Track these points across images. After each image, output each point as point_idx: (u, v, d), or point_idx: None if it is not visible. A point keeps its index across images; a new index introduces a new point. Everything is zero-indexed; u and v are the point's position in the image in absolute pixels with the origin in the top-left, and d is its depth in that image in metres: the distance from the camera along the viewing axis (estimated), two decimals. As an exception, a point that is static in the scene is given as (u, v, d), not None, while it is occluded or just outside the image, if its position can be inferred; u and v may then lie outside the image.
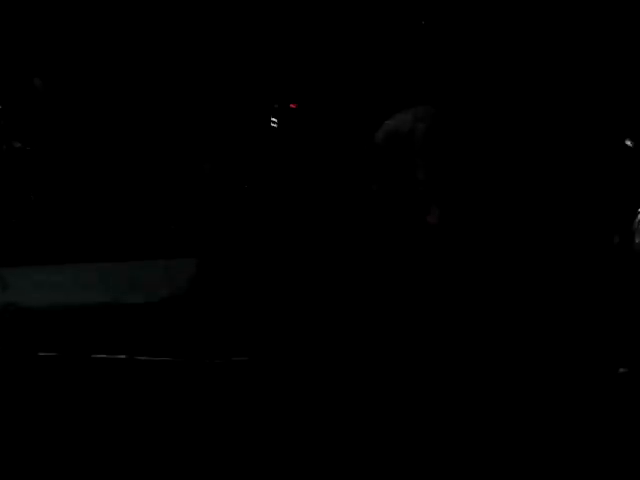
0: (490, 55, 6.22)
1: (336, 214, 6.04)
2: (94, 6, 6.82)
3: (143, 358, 4.81)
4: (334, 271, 5.52)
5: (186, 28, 6.76)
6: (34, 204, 6.48)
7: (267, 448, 4.15)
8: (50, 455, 4.05)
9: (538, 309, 5.12)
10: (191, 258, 5.59)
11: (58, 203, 6.51)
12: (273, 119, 6.60)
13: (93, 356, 4.81)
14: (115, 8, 6.80)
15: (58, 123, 6.75)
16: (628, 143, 5.35)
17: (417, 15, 6.32)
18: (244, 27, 6.67)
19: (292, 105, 6.57)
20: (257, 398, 4.44)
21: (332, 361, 4.62)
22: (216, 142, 6.64)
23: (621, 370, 4.47)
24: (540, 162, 5.98)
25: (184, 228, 6.28)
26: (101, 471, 3.79)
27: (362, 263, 5.32)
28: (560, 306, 5.13)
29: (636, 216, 4.96)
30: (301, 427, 4.21)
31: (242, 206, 6.32)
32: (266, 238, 6.03)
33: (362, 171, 5.90)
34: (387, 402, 4.24)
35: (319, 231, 6.01)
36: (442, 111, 4.90)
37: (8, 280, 5.44)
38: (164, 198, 6.50)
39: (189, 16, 6.74)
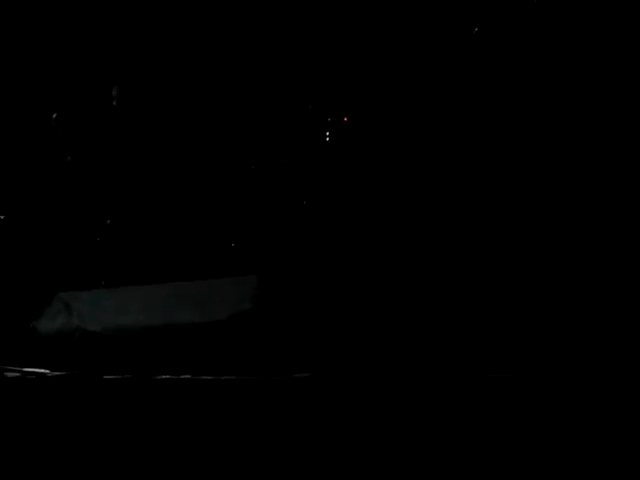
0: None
1: (398, 233, 6.04)
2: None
3: (207, 378, 4.85)
4: (396, 289, 5.52)
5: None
6: (100, 228, 6.58)
7: (329, 464, 4.16)
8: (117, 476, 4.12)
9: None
10: (253, 275, 5.61)
11: (124, 225, 6.60)
12: (327, 134, 6.61)
13: (157, 377, 4.85)
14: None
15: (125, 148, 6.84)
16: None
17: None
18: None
19: (345, 119, 6.58)
20: (319, 414, 4.45)
21: (395, 378, 4.61)
22: (275, 159, 6.67)
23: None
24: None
25: (246, 246, 6.34)
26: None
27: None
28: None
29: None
30: (362, 443, 4.21)
31: (302, 223, 6.35)
32: (327, 255, 6.05)
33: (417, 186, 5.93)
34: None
35: (382, 249, 6.01)
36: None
37: (74, 304, 5.51)
38: (225, 216, 6.56)
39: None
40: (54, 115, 6.62)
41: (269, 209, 6.57)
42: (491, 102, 6.23)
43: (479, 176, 6.14)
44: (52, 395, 4.74)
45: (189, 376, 4.86)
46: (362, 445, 4.29)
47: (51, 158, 6.94)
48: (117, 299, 5.57)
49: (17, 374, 4.87)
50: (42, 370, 4.97)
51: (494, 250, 5.74)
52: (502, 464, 4.02)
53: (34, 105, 6.99)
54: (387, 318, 5.14)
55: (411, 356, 4.78)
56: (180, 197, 6.72)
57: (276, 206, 6.57)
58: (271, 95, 6.79)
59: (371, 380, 4.51)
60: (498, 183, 6.06)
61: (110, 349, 5.22)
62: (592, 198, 5.81)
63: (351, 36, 6.66)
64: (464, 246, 5.79)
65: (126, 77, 6.89)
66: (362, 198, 6.38)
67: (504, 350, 4.73)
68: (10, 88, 6.98)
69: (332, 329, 5.07)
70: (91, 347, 5.24)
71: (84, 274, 6.35)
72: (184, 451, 4.40)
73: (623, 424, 4.03)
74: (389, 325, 5.08)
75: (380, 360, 4.80)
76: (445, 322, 5.05)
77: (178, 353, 5.11)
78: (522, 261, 5.64)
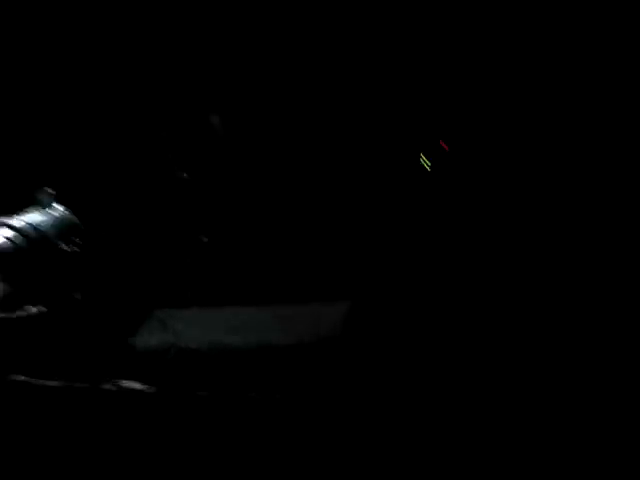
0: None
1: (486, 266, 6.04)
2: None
3: (295, 398, 4.93)
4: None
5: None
6: (196, 247, 6.74)
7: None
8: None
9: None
10: (344, 302, 5.68)
11: (221, 245, 6.74)
12: (426, 162, 6.65)
13: (248, 395, 4.96)
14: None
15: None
16: None
17: None
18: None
19: (444, 145, 6.62)
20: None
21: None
22: (359, 179, 6.74)
23: None
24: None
25: (336, 271, 6.41)
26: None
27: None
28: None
29: None
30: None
31: (394, 248, 6.39)
32: (420, 280, 6.07)
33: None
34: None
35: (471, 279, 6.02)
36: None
37: (170, 322, 5.66)
38: (318, 241, 6.65)
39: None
40: (161, 132, 6.81)
41: (362, 236, 6.63)
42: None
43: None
44: (146, 409, 4.88)
45: (278, 396, 4.95)
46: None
47: (150, 174, 7.13)
48: (213, 318, 5.71)
49: (114, 388, 5.02)
50: (139, 385, 5.11)
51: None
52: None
53: (134, 120, 7.20)
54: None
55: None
56: (275, 220, 6.83)
57: (372, 233, 6.63)
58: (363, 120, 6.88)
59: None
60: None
61: (204, 367, 5.35)
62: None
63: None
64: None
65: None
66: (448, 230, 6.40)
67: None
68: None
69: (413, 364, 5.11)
70: (185, 364, 5.38)
71: (180, 292, 6.50)
72: (270, 468, 4.49)
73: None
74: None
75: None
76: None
77: (270, 374, 5.21)
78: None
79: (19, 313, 5.65)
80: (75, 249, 5.73)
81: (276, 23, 7.05)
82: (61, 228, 5.99)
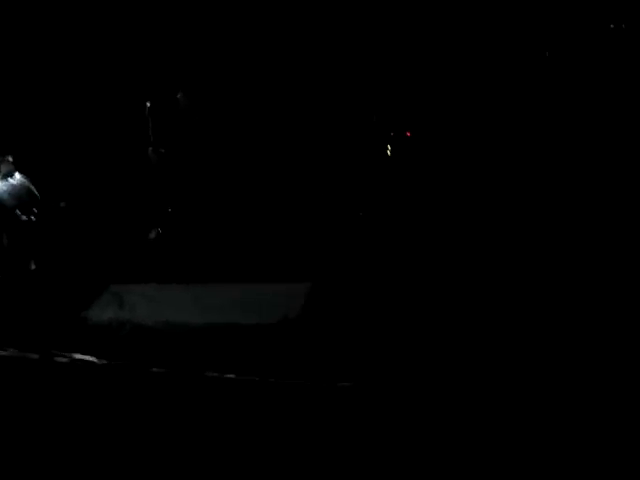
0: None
1: (453, 241, 6.02)
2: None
3: (252, 378, 4.87)
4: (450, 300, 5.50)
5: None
6: (158, 225, 6.64)
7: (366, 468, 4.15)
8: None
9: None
10: (307, 283, 5.63)
11: (181, 224, 6.65)
12: (388, 146, 6.62)
13: (206, 374, 4.88)
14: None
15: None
16: None
17: None
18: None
19: (407, 133, 6.59)
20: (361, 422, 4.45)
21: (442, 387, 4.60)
22: (331, 170, 6.70)
23: None
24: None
25: (300, 253, 6.36)
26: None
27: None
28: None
29: None
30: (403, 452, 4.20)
31: (357, 232, 6.35)
32: (381, 263, 6.04)
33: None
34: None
35: (436, 258, 5.99)
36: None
37: (126, 297, 5.57)
38: (280, 224, 6.59)
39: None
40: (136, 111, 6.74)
41: (325, 219, 6.58)
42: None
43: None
44: (98, 382, 4.79)
45: (233, 376, 4.89)
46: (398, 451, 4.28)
47: (111, 153, 7.04)
48: (169, 295, 5.62)
49: (65, 360, 4.93)
50: (90, 358, 5.03)
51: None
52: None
53: (98, 100, 7.11)
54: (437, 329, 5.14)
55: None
56: (240, 201, 6.76)
57: (333, 216, 6.59)
58: (336, 104, 6.84)
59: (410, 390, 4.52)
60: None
61: (158, 343, 5.26)
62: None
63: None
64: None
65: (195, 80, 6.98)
66: (415, 216, 6.39)
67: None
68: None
69: (377, 340, 5.07)
70: (140, 339, 5.30)
71: (138, 268, 6.40)
72: (222, 445, 4.42)
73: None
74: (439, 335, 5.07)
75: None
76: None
77: (226, 352, 5.14)
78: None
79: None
80: (32, 218, 5.63)
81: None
82: (19, 197, 5.89)
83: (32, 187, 6.01)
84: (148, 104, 6.64)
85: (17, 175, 6.01)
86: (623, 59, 6.11)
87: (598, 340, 4.71)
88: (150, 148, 6.65)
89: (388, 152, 6.66)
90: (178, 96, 6.87)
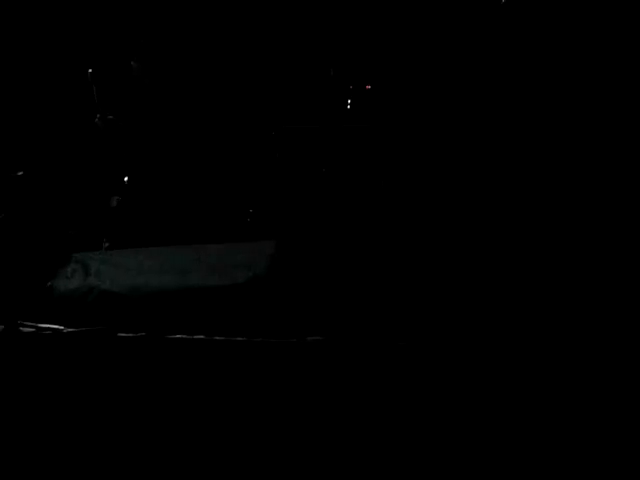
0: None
1: (408, 197, 6.04)
2: None
3: (220, 339, 4.86)
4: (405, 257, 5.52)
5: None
6: (118, 189, 6.59)
7: (339, 429, 4.17)
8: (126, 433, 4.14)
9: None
10: (271, 240, 5.61)
11: (141, 188, 6.61)
12: (348, 101, 6.60)
13: (170, 337, 4.88)
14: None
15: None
16: None
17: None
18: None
19: (367, 86, 6.56)
20: (332, 378, 4.46)
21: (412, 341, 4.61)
22: (293, 124, 6.67)
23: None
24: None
25: (263, 211, 6.35)
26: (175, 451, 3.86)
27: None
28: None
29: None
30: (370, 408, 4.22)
31: (319, 189, 6.35)
32: (342, 220, 6.05)
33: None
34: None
35: (396, 212, 6.01)
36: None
37: (91, 264, 5.53)
38: (242, 182, 6.57)
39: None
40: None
41: (287, 175, 6.57)
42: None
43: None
44: (66, 351, 4.77)
45: (202, 336, 4.88)
46: (371, 410, 4.29)
47: (66, 121, 6.96)
48: (134, 259, 5.59)
49: (32, 329, 4.90)
50: (57, 326, 5.00)
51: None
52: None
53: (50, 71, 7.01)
54: (396, 284, 5.15)
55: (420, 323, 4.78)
56: (199, 160, 6.73)
57: (295, 172, 6.57)
58: (291, 59, 6.78)
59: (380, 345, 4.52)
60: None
61: (125, 308, 5.24)
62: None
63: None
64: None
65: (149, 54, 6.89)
66: (378, 167, 6.38)
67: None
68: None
69: (345, 293, 5.08)
70: (107, 306, 5.27)
71: (101, 235, 6.37)
72: (194, 411, 4.42)
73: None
74: (398, 291, 5.08)
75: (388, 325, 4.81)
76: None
77: (193, 314, 5.13)
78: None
79: None
80: (-8, 189, 5.57)
81: None
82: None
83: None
84: (90, 70, 6.55)
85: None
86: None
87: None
88: (97, 115, 6.58)
89: (348, 106, 6.65)
90: (132, 63, 6.78)
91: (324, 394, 4.37)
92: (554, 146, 6.06)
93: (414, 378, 4.37)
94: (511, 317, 4.75)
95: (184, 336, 4.90)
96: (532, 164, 6.02)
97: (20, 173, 5.65)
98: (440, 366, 4.39)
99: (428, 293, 5.05)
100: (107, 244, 6.29)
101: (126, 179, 6.53)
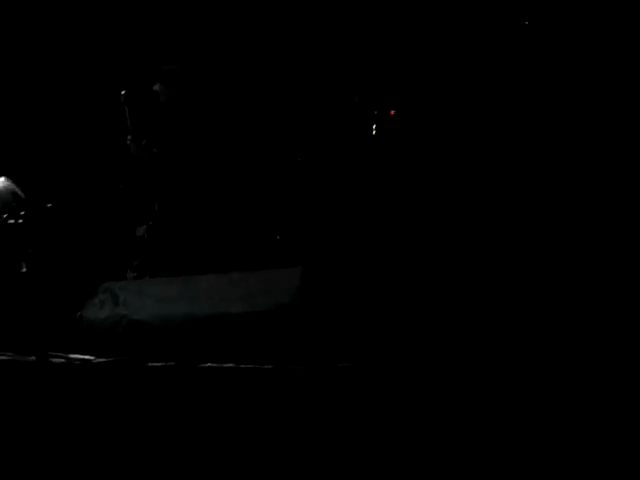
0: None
1: (438, 223, 6.03)
2: None
3: (249, 366, 4.87)
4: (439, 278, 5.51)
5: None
6: (148, 220, 6.62)
7: (371, 454, 4.15)
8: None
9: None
10: (298, 267, 5.62)
11: (171, 217, 6.63)
12: (373, 126, 6.61)
13: (201, 365, 4.89)
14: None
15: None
16: None
17: None
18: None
19: (391, 112, 6.57)
20: (362, 403, 4.45)
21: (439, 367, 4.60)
22: (318, 151, 6.68)
23: None
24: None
25: (289, 238, 6.37)
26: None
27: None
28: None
29: None
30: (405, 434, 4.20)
31: (345, 215, 6.35)
32: (369, 247, 6.06)
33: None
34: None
35: (423, 239, 6.01)
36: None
37: (119, 294, 5.56)
38: (269, 209, 6.58)
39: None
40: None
41: (315, 203, 6.58)
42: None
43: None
44: (97, 381, 4.79)
45: (232, 365, 4.89)
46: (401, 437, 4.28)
47: (99, 151, 7.02)
48: (162, 288, 5.62)
49: (63, 360, 4.94)
50: (87, 357, 5.03)
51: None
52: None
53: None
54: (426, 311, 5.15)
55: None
56: (227, 190, 6.75)
57: (322, 200, 6.58)
58: (316, 87, 6.81)
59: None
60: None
61: (154, 337, 5.26)
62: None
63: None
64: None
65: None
66: (402, 197, 6.39)
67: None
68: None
69: (375, 320, 5.08)
70: (136, 335, 5.29)
71: (131, 265, 6.41)
72: (225, 436, 4.42)
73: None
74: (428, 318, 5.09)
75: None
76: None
77: (222, 342, 5.14)
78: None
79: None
80: (19, 221, 5.60)
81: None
82: (4, 201, 5.87)
83: (17, 189, 5.99)
84: (123, 92, 6.58)
85: (1, 179, 6.00)
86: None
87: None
88: (129, 137, 6.61)
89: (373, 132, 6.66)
90: (155, 87, 6.81)
91: (354, 421, 4.35)
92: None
93: (442, 404, 4.35)
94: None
95: (214, 364, 4.90)
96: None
97: (49, 205, 5.70)
98: (467, 391, 4.38)
99: (453, 319, 5.05)
100: (134, 273, 6.32)
101: (156, 206, 6.55)
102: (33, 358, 4.89)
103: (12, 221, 5.60)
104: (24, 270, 5.66)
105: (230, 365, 4.89)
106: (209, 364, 4.92)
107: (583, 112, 6.05)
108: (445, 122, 6.47)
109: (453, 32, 6.52)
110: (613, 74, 6.01)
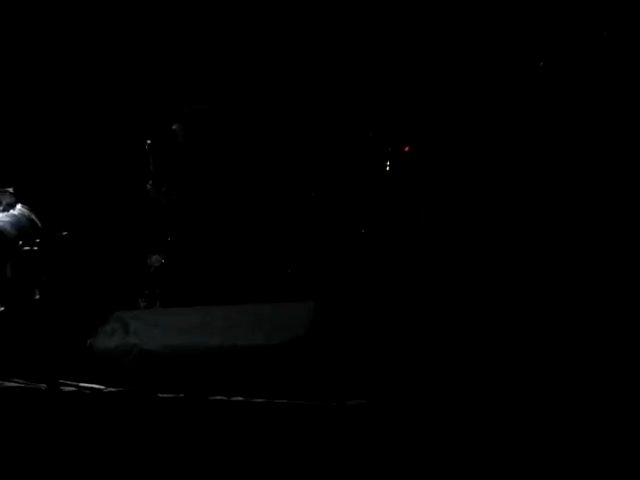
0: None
1: (451, 260, 6.05)
2: None
3: (260, 401, 4.86)
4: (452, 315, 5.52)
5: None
6: (159, 249, 6.66)
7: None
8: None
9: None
10: (311, 301, 5.63)
11: (183, 247, 6.67)
12: (387, 162, 6.64)
13: (211, 398, 4.88)
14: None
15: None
16: None
17: None
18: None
19: (405, 148, 6.61)
20: (373, 441, 4.44)
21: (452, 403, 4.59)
22: (330, 186, 6.72)
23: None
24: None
25: (301, 272, 6.38)
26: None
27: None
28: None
29: None
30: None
31: (359, 249, 6.37)
32: (383, 281, 6.06)
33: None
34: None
35: (435, 275, 6.02)
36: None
37: (130, 323, 5.57)
38: (280, 242, 6.61)
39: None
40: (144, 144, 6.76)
41: (327, 237, 6.60)
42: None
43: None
44: (106, 411, 4.79)
45: (241, 398, 4.88)
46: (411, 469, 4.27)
47: (111, 185, 7.08)
48: (173, 319, 5.62)
49: (73, 389, 4.93)
50: (97, 386, 5.03)
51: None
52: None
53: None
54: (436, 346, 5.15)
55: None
56: (240, 222, 6.78)
57: (334, 234, 6.61)
58: (332, 123, 6.86)
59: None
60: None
61: (164, 368, 5.26)
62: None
63: None
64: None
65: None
66: (415, 233, 6.41)
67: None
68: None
69: (385, 355, 5.08)
70: (146, 365, 5.29)
71: (143, 294, 6.43)
72: (233, 470, 4.41)
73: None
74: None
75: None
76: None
77: (233, 374, 5.14)
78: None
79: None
80: (35, 249, 5.64)
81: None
82: (21, 228, 5.91)
83: (34, 217, 6.03)
84: (149, 141, 6.67)
85: (18, 206, 6.04)
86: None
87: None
88: (150, 181, 6.68)
89: (387, 168, 6.69)
90: (174, 127, 6.88)
91: (365, 458, 4.34)
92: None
93: (456, 443, 4.34)
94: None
95: (223, 397, 4.89)
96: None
97: (64, 233, 5.73)
98: (481, 430, 4.37)
99: (465, 358, 5.05)
100: (146, 303, 6.34)
101: (169, 239, 6.60)
102: (44, 386, 4.88)
103: (27, 248, 5.63)
104: (37, 297, 5.69)
105: (239, 399, 4.88)
106: (219, 397, 4.90)
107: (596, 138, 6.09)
108: (458, 159, 6.51)
109: (466, 72, 6.57)
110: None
